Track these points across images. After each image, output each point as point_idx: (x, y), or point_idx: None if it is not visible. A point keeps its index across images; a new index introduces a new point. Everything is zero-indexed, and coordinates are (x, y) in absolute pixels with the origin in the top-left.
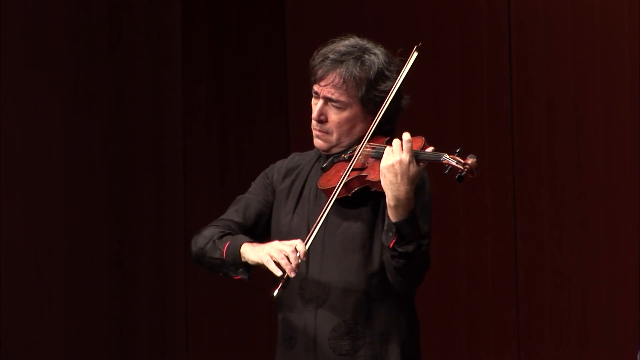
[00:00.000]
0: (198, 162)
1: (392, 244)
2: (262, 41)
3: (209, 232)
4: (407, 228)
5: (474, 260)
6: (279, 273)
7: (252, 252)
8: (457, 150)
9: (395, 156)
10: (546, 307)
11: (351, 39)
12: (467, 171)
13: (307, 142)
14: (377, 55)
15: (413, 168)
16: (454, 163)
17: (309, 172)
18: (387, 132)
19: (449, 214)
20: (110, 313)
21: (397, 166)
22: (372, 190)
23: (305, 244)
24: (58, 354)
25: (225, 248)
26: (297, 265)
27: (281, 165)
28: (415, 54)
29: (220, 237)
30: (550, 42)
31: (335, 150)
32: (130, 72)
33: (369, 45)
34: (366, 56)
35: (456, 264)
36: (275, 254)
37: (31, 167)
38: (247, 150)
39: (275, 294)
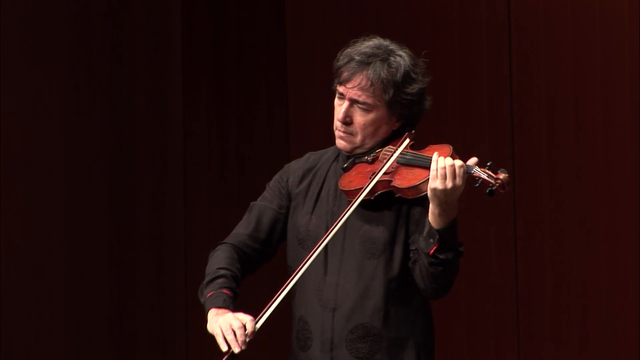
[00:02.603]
0: (198, 162)
1: (432, 251)
2: (262, 41)
3: (215, 259)
4: (450, 235)
5: (474, 260)
6: (224, 348)
7: (210, 322)
8: (488, 163)
9: (449, 182)
10: (546, 307)
11: (374, 39)
12: (498, 185)
13: (307, 142)
14: (402, 58)
15: (462, 188)
16: (484, 177)
17: (327, 172)
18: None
19: None
20: (110, 313)
21: (450, 191)
22: (397, 195)
23: (256, 323)
24: (58, 354)
25: (206, 297)
26: (243, 342)
27: (296, 166)
28: (406, 141)
29: (210, 281)
30: (550, 42)
31: (358, 151)
32: (130, 72)
33: (393, 46)
34: (392, 58)
35: None
36: (224, 328)
37: (31, 167)
38: (247, 150)
39: None
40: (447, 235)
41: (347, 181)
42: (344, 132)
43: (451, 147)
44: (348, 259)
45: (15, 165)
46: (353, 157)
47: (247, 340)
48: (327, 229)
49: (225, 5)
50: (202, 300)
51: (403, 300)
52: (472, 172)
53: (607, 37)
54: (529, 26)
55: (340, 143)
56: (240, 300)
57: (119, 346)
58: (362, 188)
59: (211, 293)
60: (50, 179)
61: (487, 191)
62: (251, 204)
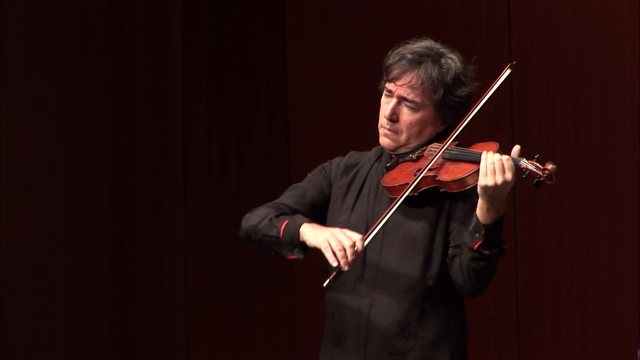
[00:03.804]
0: (198, 162)
1: (477, 246)
2: (262, 41)
3: (264, 211)
4: (495, 232)
5: None
6: (334, 263)
7: (312, 233)
8: (536, 156)
9: (499, 177)
10: (546, 307)
11: (426, 41)
12: (546, 177)
13: (307, 142)
14: (454, 60)
15: (512, 183)
16: (532, 168)
17: (369, 171)
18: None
19: None
20: (110, 313)
21: (500, 187)
22: (441, 190)
23: (364, 241)
24: (58, 354)
25: (283, 226)
26: (353, 261)
27: (340, 161)
28: (507, 72)
29: (277, 216)
30: (550, 42)
31: (401, 150)
32: (130, 72)
33: (445, 49)
34: (443, 60)
35: None
36: (333, 243)
37: (31, 167)
38: (247, 150)
39: (325, 284)
40: (493, 231)
41: (391, 178)
42: (389, 129)
43: (497, 143)
44: (387, 255)
45: (15, 165)
46: (396, 157)
47: (355, 258)
48: (367, 226)
49: (225, 5)
50: (273, 232)
51: (440, 299)
52: (520, 164)
53: (607, 37)
54: (529, 26)
55: (384, 141)
56: (240, 300)
57: (119, 346)
58: (406, 184)
59: (286, 221)
60: (50, 179)
61: (535, 182)
62: (293, 185)
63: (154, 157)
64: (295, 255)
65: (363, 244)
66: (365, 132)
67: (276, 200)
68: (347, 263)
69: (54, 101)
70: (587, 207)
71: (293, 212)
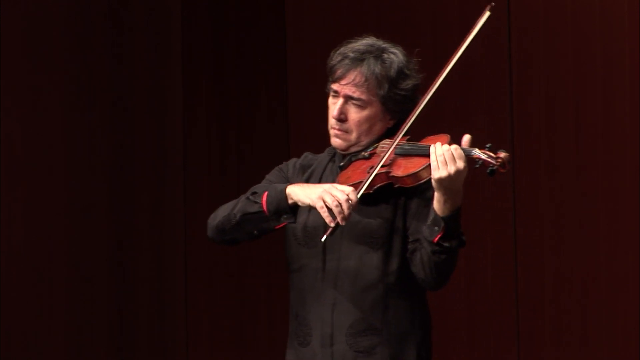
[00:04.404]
0: (198, 162)
1: (437, 239)
2: (262, 41)
3: (231, 203)
4: (454, 224)
5: (474, 260)
6: (332, 224)
7: (302, 192)
8: (488, 145)
9: (451, 167)
10: (546, 307)
11: (368, 38)
12: (499, 165)
13: (307, 142)
14: (396, 54)
15: (466, 171)
16: (484, 157)
17: (323, 171)
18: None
19: None
20: (110, 313)
21: (454, 176)
22: (396, 186)
23: (358, 193)
24: (58, 354)
25: (265, 197)
26: (349, 215)
27: (295, 162)
28: (487, 14)
29: (253, 194)
30: (550, 42)
31: (353, 149)
32: (130, 72)
33: (387, 44)
34: (385, 55)
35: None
36: (328, 200)
37: (31, 167)
38: (247, 150)
39: (323, 239)
40: (451, 223)
41: (345, 178)
42: (339, 129)
43: (449, 135)
44: (346, 253)
45: (15, 165)
46: (349, 156)
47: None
48: (325, 226)
49: (225, 5)
50: (255, 208)
51: (402, 294)
52: (472, 154)
53: (607, 37)
54: (529, 26)
55: (335, 141)
56: (240, 300)
57: (119, 346)
58: (360, 182)
59: (268, 191)
60: (50, 179)
61: (488, 171)
62: (253, 187)
63: (154, 157)
64: (284, 221)
65: (357, 196)
66: None
67: (235, 200)
68: (343, 218)
69: (54, 101)
70: (587, 207)
71: None
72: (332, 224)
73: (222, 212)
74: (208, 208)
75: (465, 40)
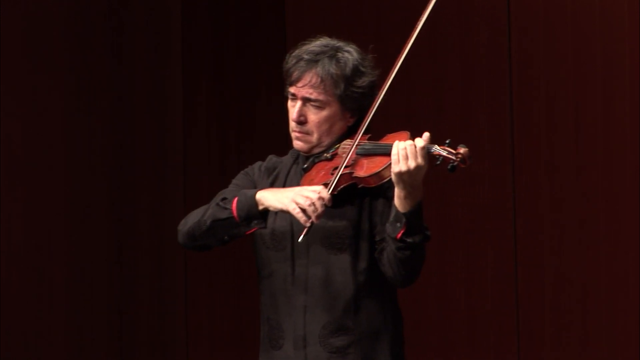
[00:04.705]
0: (198, 162)
1: (399, 235)
2: (262, 41)
3: (201, 208)
4: (416, 219)
5: (474, 260)
6: (307, 224)
7: (273, 197)
8: (447, 141)
9: (411, 162)
10: (546, 307)
11: (322, 39)
12: (459, 161)
13: None
14: (350, 53)
15: (425, 167)
16: (444, 154)
17: (288, 174)
18: (365, 130)
19: (448, 213)
20: (110, 313)
21: (414, 171)
22: (360, 186)
23: (329, 190)
24: (58, 354)
25: (235, 203)
26: (322, 213)
27: (260, 165)
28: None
29: (223, 199)
30: (550, 42)
31: (316, 150)
32: (130, 72)
33: (341, 43)
34: (340, 54)
35: (456, 264)
36: (301, 201)
37: (31, 167)
38: (247, 149)
39: (300, 239)
40: (413, 218)
41: (309, 180)
42: (299, 132)
43: (409, 132)
44: (314, 256)
45: (15, 165)
46: (312, 157)
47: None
48: (292, 228)
49: (225, 5)
50: (225, 214)
51: (373, 293)
52: (432, 150)
53: (607, 37)
54: (529, 26)
55: (297, 144)
56: (240, 300)
57: (118, 346)
58: (325, 184)
59: (237, 197)
60: (50, 179)
61: (449, 167)
62: (220, 191)
63: (154, 157)
64: (254, 227)
65: (328, 193)
66: None
67: (206, 206)
68: (318, 217)
69: (54, 101)
70: (587, 207)
71: None
72: (308, 224)
73: (192, 219)
74: None
75: (415, 30)
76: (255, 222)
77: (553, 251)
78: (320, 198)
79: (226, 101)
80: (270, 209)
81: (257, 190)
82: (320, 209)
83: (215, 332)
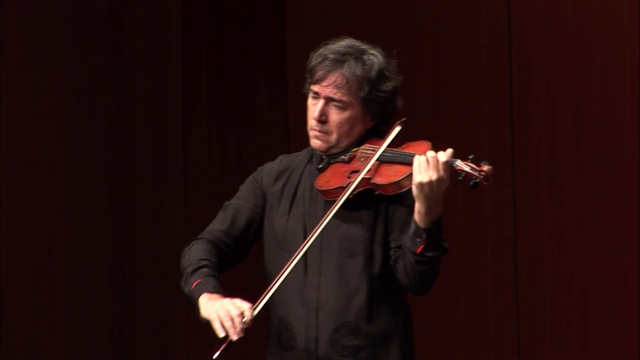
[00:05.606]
0: (198, 162)
1: (420, 250)
2: (262, 41)
3: (194, 251)
4: (436, 234)
5: (474, 260)
6: (221, 334)
7: (204, 306)
8: (470, 156)
9: (433, 174)
10: (546, 307)
11: (347, 40)
12: (482, 178)
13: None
14: (376, 56)
15: (447, 181)
16: (467, 169)
17: (302, 173)
18: (383, 134)
19: (448, 213)
20: (110, 313)
21: (435, 184)
22: (377, 193)
23: (254, 310)
24: (58, 354)
25: (192, 287)
26: (242, 330)
27: (271, 167)
28: (397, 128)
29: (194, 271)
30: (550, 42)
31: (333, 151)
32: (130, 72)
33: (366, 46)
34: (366, 56)
35: (456, 264)
36: (221, 314)
37: (31, 167)
38: (247, 149)
39: (215, 356)
40: (433, 234)
41: (324, 181)
42: (319, 131)
43: (430, 143)
44: (328, 258)
45: (15, 165)
46: (328, 158)
47: (245, 327)
48: (304, 229)
49: (225, 5)
50: (186, 289)
51: (385, 297)
52: (455, 165)
53: (607, 37)
54: (529, 26)
55: (315, 143)
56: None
57: (119, 346)
58: (340, 187)
59: (198, 281)
60: (50, 179)
61: (471, 184)
62: (225, 203)
63: (154, 157)
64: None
65: (252, 313)
66: None
67: (210, 227)
68: (235, 333)
69: (54, 101)
70: (587, 207)
71: (227, 235)
72: (221, 335)
73: (185, 260)
74: (208, 208)
75: (376, 153)
76: (198, 313)
77: (553, 251)
78: (241, 315)
79: (226, 101)
80: (200, 316)
81: (205, 291)
82: (238, 326)
83: (215, 332)
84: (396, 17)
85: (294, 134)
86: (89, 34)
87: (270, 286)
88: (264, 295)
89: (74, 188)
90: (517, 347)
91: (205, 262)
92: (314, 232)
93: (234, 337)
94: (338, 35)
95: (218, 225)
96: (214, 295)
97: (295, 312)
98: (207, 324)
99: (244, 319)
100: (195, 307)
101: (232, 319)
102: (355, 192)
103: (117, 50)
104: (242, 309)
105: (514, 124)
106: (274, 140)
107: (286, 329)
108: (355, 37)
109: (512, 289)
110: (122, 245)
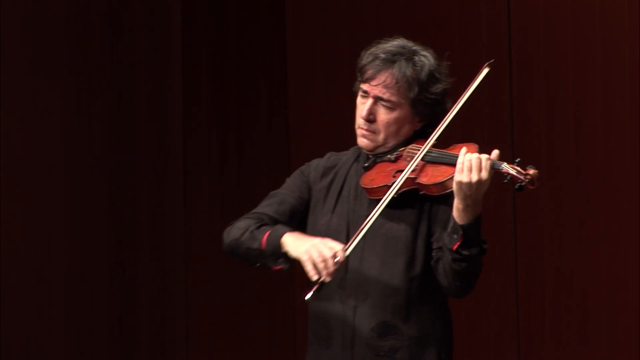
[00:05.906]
0: (198, 162)
1: (456, 247)
2: (262, 41)
3: (244, 223)
4: (473, 231)
5: None
6: (314, 277)
7: (293, 244)
8: (517, 160)
9: (474, 175)
10: (546, 307)
11: (399, 40)
12: (528, 182)
13: (307, 142)
14: (427, 57)
15: (487, 184)
16: (514, 173)
17: (348, 172)
18: (429, 135)
19: None
20: (110, 313)
21: (475, 185)
22: (421, 193)
23: (346, 251)
24: (58, 354)
25: (265, 237)
26: (335, 271)
27: (318, 163)
28: (485, 70)
29: (258, 227)
30: (550, 42)
31: (380, 150)
32: (130, 72)
33: (418, 47)
34: (417, 57)
35: None
36: (314, 254)
37: (31, 167)
38: (247, 150)
39: (307, 297)
40: (470, 231)
41: (369, 179)
42: (366, 130)
43: (477, 145)
44: (369, 257)
45: (15, 165)
46: (374, 157)
47: (337, 269)
48: (347, 228)
49: (225, 5)
50: (255, 245)
51: (425, 298)
52: (501, 168)
53: (607, 37)
54: (529, 26)
55: (362, 141)
56: (240, 300)
57: (119, 346)
58: (385, 186)
59: (269, 231)
60: (50, 179)
61: (516, 187)
62: (271, 192)
63: (154, 157)
64: (280, 265)
65: (344, 254)
66: None
67: (255, 210)
68: (329, 274)
69: (54, 101)
70: (587, 207)
71: (274, 221)
72: (314, 278)
73: (235, 232)
74: (208, 208)
75: (463, 96)
76: (281, 260)
77: (553, 251)
78: (334, 256)
79: (226, 101)
80: (288, 254)
81: (286, 232)
82: (331, 268)
83: (215, 332)
84: (396, 17)
85: (294, 133)
86: (89, 34)
87: (362, 227)
88: (354, 236)
89: (74, 188)
90: (517, 347)
91: (264, 223)
92: (362, 227)
93: (327, 279)
94: (338, 35)
95: (263, 208)
96: (299, 234)
97: (333, 311)
98: (290, 269)
99: (336, 259)
100: (268, 257)
101: (325, 260)
102: (400, 192)
103: (117, 50)
104: (334, 250)
105: (514, 124)
106: (274, 141)
107: (324, 327)
108: (355, 37)
109: (512, 289)
110: (122, 245)
